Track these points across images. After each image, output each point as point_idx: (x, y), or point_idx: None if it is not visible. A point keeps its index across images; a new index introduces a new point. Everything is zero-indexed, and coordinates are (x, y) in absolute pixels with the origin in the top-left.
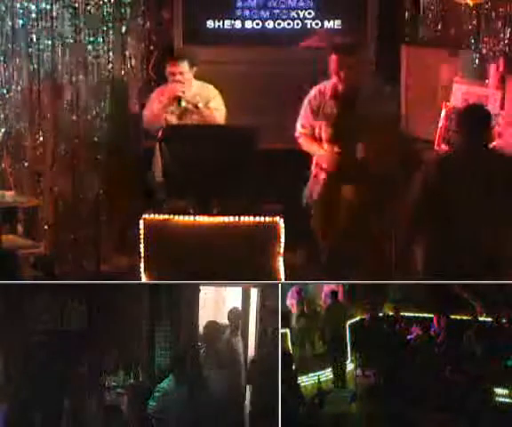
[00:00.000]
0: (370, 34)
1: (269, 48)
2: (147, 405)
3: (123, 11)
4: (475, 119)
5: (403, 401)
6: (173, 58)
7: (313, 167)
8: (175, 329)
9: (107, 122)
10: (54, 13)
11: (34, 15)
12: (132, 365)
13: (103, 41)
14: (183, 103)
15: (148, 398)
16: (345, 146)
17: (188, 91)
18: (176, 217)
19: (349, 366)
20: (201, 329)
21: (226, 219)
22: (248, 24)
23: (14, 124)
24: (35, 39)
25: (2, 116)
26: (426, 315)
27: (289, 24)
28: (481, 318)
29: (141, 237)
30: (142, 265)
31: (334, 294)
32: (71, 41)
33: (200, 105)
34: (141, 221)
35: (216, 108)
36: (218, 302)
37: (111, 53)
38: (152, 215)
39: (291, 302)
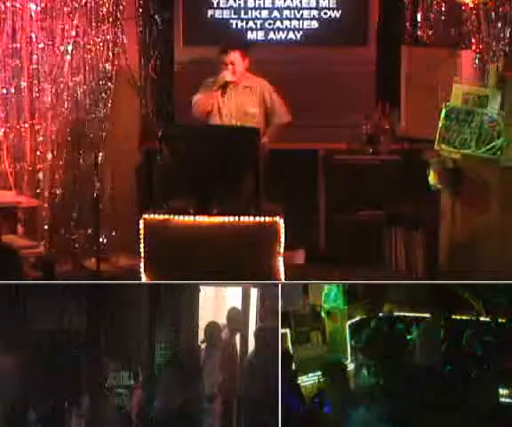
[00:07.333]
0: (370, 34)
1: (270, 48)
2: (147, 405)
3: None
4: None
5: (402, 401)
6: None
7: None
8: (175, 329)
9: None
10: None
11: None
12: (132, 365)
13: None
14: None
15: (148, 398)
16: None
17: None
18: (176, 217)
19: (349, 367)
20: (201, 329)
21: (226, 219)
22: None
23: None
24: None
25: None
26: (426, 315)
27: (290, 24)
28: (481, 318)
29: (141, 237)
30: (142, 265)
31: None
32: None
33: None
34: (141, 221)
35: None
36: (218, 301)
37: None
38: (152, 215)
39: None
